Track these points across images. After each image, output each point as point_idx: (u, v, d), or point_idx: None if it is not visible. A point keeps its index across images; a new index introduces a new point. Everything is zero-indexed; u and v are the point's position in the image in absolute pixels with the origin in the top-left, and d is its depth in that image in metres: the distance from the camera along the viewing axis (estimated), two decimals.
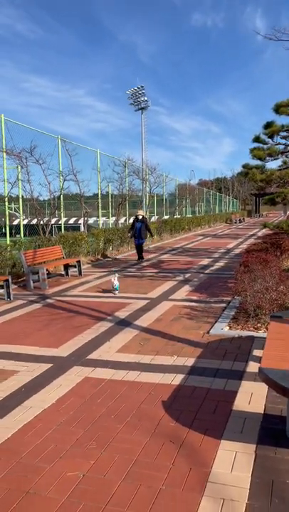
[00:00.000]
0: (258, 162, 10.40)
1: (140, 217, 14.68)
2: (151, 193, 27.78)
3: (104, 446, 3.20)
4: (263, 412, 3.64)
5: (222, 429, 3.39)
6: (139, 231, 14.47)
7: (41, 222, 13.76)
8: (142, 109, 45.93)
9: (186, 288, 9.42)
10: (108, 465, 2.96)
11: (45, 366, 4.87)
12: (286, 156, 11.30)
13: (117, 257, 15.99)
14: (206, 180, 78.04)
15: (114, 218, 21.03)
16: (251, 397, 3.92)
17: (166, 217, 31.37)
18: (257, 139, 10.46)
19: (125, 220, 23.24)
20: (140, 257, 14.60)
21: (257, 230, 31.62)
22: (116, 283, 8.85)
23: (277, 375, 3.03)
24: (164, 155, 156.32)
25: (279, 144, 10.69)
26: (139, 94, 45.24)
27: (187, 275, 11.23)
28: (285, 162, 11.73)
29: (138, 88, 44.98)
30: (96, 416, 3.68)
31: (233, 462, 2.94)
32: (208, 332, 6.01)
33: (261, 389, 4.06)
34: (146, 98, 45.11)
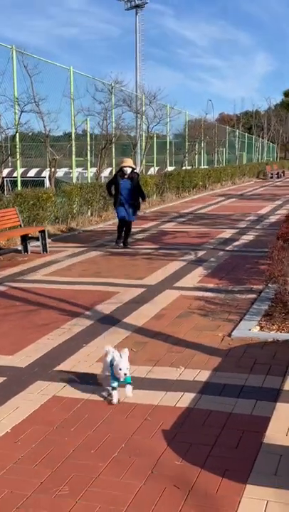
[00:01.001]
0: None
1: (128, 170, 12.12)
2: (149, 132, 27.62)
3: (80, 493, 3.29)
4: None
5: (248, 470, 3.50)
6: (127, 196, 12.15)
7: None
8: (137, 6, 45.28)
9: (199, 271, 9.55)
10: None
11: None
12: None
13: (99, 227, 16.04)
14: (230, 115, 77.79)
15: (94, 169, 21.00)
16: None
17: (170, 168, 31.39)
18: None
19: (110, 173, 23.22)
20: (124, 243, 12.48)
21: None
22: (124, 368, 4.47)
23: None
24: (170, 76, 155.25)
25: None
26: None
27: (200, 253, 11.36)
28: None
29: None
30: (69, 450, 3.79)
31: None
32: (229, 334, 6.15)
33: None
34: None
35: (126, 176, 11.91)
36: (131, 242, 12.82)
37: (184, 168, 31.95)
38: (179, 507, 3.15)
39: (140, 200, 12.47)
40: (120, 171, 11.95)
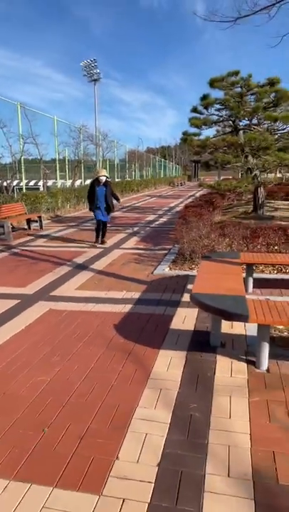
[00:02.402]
0: (196, 130, 10.52)
1: (103, 179, 8.74)
2: (104, 157, 27.18)
3: (66, 358, 3.45)
4: (193, 329, 4.03)
5: (161, 342, 3.74)
6: (102, 200, 8.76)
7: (4, 184, 13.30)
8: (95, 80, 43.68)
9: (135, 239, 9.63)
10: (70, 371, 3.22)
11: (14, 301, 4.99)
12: (219, 126, 11.50)
13: (74, 215, 15.85)
14: (153, 148, 77.08)
15: (71, 180, 20.60)
16: (184, 319, 4.29)
17: (117, 180, 30.99)
18: (195, 110, 10.52)
19: (81, 183, 22.74)
20: (102, 241, 9.01)
21: (195, 191, 32.08)
22: None
23: (203, 298, 3.37)
24: (116, 124, 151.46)
25: (213, 114, 10.82)
26: (92, 66, 42.89)
27: (135, 228, 11.42)
28: (217, 131, 11.94)
29: (91, 61, 42.59)
30: (59, 337, 3.91)
31: (169, 364, 3.30)
32: (152, 272, 6.31)
33: (193, 313, 4.44)
34: (98, 70, 42.82)
35: (101, 184, 8.78)
36: (94, 223, 12.57)
37: (125, 179, 31.61)
38: (123, 362, 3.37)
39: (113, 202, 9.19)
40: (96, 180, 8.85)
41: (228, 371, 3.17)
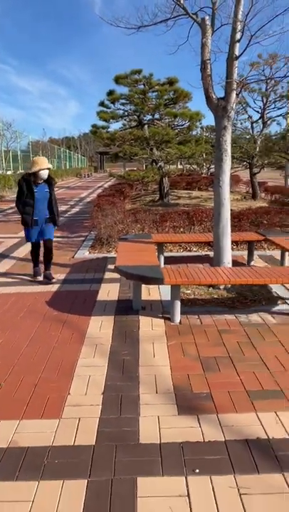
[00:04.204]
0: (104, 123, 11.05)
1: (45, 173, 5.21)
2: (8, 147, 26.17)
3: (7, 331, 3.81)
4: (117, 299, 4.64)
5: (91, 311, 4.29)
6: (44, 208, 5.29)
7: None
8: None
9: None
10: (13, 340, 3.60)
11: None
12: (125, 120, 12.18)
13: None
14: (57, 139, 75.28)
15: None
16: (109, 292, 4.88)
17: (21, 171, 30.04)
18: (102, 104, 11.03)
19: None
20: (46, 275, 5.43)
21: (103, 182, 32.61)
22: None
23: (125, 268, 4.00)
24: (16, 114, 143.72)
25: (119, 109, 11.45)
26: None
27: None
28: (124, 125, 12.63)
29: None
30: (6, 314, 4.21)
31: (100, 325, 3.88)
32: (73, 257, 6.76)
33: (115, 287, 5.05)
34: None
35: (41, 182, 5.21)
36: (5, 215, 12.17)
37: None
38: (60, 329, 3.85)
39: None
40: (33, 176, 5.18)
41: (150, 326, 3.86)
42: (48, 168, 5.22)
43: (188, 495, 1.90)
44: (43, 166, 5.14)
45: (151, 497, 1.90)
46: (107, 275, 5.62)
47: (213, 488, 1.94)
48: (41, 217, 5.29)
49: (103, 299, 4.66)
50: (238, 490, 1.93)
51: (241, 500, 1.87)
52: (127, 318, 4.06)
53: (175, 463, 2.10)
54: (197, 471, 2.05)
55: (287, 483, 1.97)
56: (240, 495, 1.90)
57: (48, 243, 5.43)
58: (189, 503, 1.86)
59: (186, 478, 2.01)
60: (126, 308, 4.31)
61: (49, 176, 5.29)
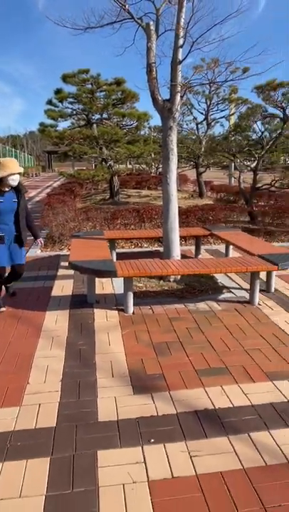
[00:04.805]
0: (52, 122, 10.99)
1: (15, 180, 4.01)
2: None
3: None
4: (71, 294, 4.73)
5: (46, 306, 4.35)
6: (12, 223, 4.13)
7: None
8: None
9: None
10: None
11: None
12: (73, 119, 12.17)
13: None
14: (1, 137, 72.72)
15: None
16: (63, 288, 4.96)
17: None
18: (50, 102, 10.95)
19: None
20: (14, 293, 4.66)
21: (52, 182, 32.05)
22: None
23: (79, 263, 4.11)
24: None
25: (67, 108, 11.43)
26: None
27: None
28: (72, 123, 12.61)
29: None
30: None
31: (56, 319, 3.96)
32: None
33: (69, 283, 5.13)
34: None
35: (8, 190, 4.05)
36: None
37: None
38: (15, 325, 3.88)
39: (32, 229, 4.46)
40: None
41: (104, 317, 4.01)
42: (19, 173, 4.03)
43: (145, 461, 2.09)
44: (14, 169, 3.98)
45: (111, 466, 2.06)
46: (61, 272, 5.68)
47: (166, 453, 2.15)
48: (9, 235, 4.12)
49: (57, 294, 4.73)
50: (189, 453, 2.15)
51: (192, 461, 2.09)
52: (82, 311, 4.18)
53: (132, 435, 2.28)
54: (152, 440, 2.24)
55: (231, 444, 2.22)
56: (190, 457, 2.12)
57: (20, 269, 4.25)
58: (146, 467, 2.05)
59: (142, 447, 2.19)
60: (80, 302, 4.42)
61: (19, 182, 4.10)
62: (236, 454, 2.14)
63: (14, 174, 3.98)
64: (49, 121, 11.12)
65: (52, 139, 10.43)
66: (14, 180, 4.02)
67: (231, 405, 2.56)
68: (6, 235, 4.09)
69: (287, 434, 2.29)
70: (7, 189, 4.05)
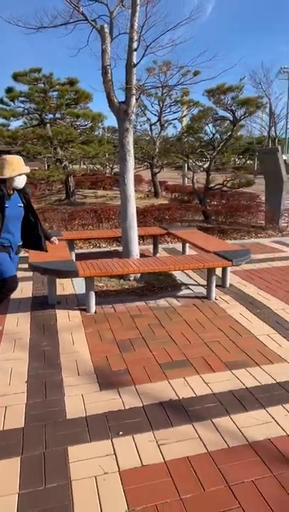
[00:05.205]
0: (4, 121, 10.69)
1: (21, 181, 3.49)
2: None
3: None
4: (31, 295, 4.69)
5: (6, 309, 4.26)
6: (18, 230, 3.65)
7: None
8: None
9: None
10: None
11: None
12: (26, 118, 11.91)
13: None
14: None
15: None
16: (22, 290, 4.86)
17: None
18: (1, 101, 10.65)
19: None
20: None
21: None
22: None
23: (40, 264, 4.09)
24: None
25: (19, 107, 11.17)
26: None
27: None
28: (25, 123, 12.34)
29: None
30: None
31: (17, 322, 3.92)
32: None
33: (28, 285, 5.06)
34: None
35: (13, 192, 3.51)
36: None
37: None
38: None
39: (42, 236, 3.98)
40: (3, 184, 3.39)
41: (67, 318, 4.01)
42: (27, 173, 3.53)
43: (115, 453, 2.16)
44: (23, 169, 3.45)
45: (82, 460, 2.11)
46: (19, 274, 5.56)
47: (135, 444, 2.23)
48: (15, 244, 3.67)
49: (17, 297, 4.64)
50: (157, 442, 2.24)
51: (160, 449, 2.19)
52: (44, 312, 4.16)
53: (100, 430, 2.34)
54: (121, 433, 2.31)
55: (195, 430, 2.35)
56: (158, 446, 2.22)
57: (8, 283, 3.67)
58: (116, 459, 2.12)
59: (111, 440, 2.26)
60: (41, 304, 4.39)
61: (26, 187, 3.62)
62: (201, 439, 2.26)
63: (22, 174, 3.47)
64: (1, 121, 10.82)
65: (4, 138, 10.15)
66: (21, 182, 3.50)
67: (194, 395, 2.69)
68: (12, 244, 3.59)
69: (247, 418, 2.45)
70: (12, 192, 3.51)
